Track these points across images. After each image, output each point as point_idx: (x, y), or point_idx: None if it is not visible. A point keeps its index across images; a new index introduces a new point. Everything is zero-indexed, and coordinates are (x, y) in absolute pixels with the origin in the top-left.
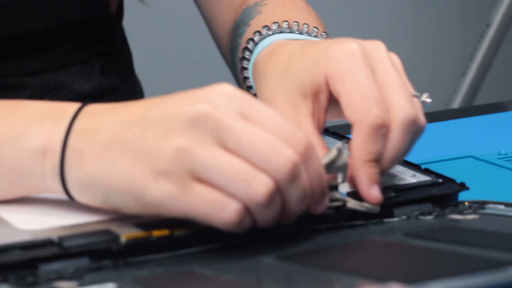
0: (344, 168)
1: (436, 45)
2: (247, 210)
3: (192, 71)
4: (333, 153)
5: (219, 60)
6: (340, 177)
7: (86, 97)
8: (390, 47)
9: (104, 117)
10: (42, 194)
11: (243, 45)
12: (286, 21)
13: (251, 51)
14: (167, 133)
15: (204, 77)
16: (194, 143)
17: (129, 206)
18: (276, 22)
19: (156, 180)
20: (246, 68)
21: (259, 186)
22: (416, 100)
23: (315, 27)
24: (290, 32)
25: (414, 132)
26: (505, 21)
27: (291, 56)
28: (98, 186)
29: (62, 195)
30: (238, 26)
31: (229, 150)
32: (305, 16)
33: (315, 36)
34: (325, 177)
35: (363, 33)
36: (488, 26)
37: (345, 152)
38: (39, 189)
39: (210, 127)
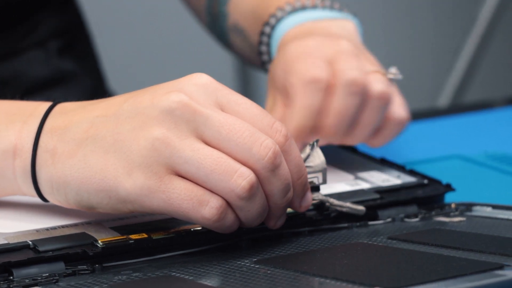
0: (321, 168)
1: (421, 41)
2: (229, 206)
3: (171, 66)
4: (307, 151)
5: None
6: (320, 178)
7: (44, 85)
8: (375, 43)
9: (76, 114)
10: (15, 197)
11: (246, 19)
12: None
13: (269, 36)
14: (142, 125)
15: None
16: (171, 134)
17: (103, 204)
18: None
19: (130, 174)
20: (263, 53)
21: (240, 179)
22: (378, 75)
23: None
24: (303, 9)
25: (358, 95)
26: (491, 16)
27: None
28: (71, 185)
29: (34, 197)
30: None
31: (207, 142)
32: None
33: (323, 6)
34: (305, 169)
35: None
36: (474, 21)
37: (319, 151)
38: (10, 191)
39: (187, 118)
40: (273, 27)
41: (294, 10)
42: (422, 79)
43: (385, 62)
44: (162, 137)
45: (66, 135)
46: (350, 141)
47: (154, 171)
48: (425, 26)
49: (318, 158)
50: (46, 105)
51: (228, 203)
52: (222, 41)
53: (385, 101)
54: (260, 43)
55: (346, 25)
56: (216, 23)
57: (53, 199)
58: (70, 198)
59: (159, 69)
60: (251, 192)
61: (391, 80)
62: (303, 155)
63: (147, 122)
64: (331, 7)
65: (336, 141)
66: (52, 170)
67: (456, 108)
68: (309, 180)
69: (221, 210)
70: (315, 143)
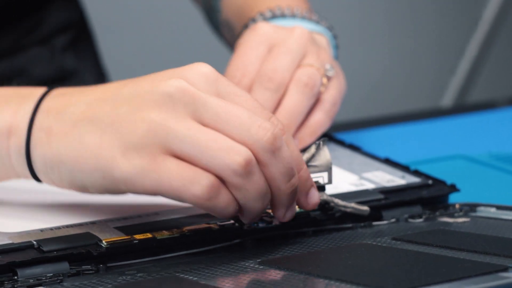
0: (327, 167)
1: (425, 42)
2: (223, 186)
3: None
4: (312, 149)
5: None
6: (325, 178)
7: (46, 83)
8: (380, 44)
9: (74, 97)
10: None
11: (235, 15)
12: (279, 6)
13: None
14: (140, 108)
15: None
16: (168, 116)
17: (96, 184)
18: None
19: (125, 154)
20: None
21: (236, 155)
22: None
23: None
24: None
25: (272, 90)
26: (495, 16)
27: None
28: (65, 163)
29: (28, 179)
30: None
31: (205, 124)
32: None
33: (302, 16)
34: (305, 165)
35: (352, 30)
36: (477, 22)
37: (326, 150)
38: (4, 173)
39: (185, 102)
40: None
41: (274, 16)
42: (426, 79)
43: (389, 62)
44: (159, 119)
45: (63, 115)
46: None
47: (149, 152)
48: (428, 26)
49: (324, 157)
50: (43, 88)
51: (223, 183)
52: (217, 33)
53: (307, 88)
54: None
55: (316, 37)
56: (211, 17)
57: (46, 179)
58: (64, 178)
59: (161, 67)
60: (247, 168)
61: (327, 76)
62: (308, 155)
63: (145, 104)
64: (310, 19)
65: None
66: (47, 149)
67: (460, 108)
68: (314, 180)
69: (213, 188)
70: (321, 143)
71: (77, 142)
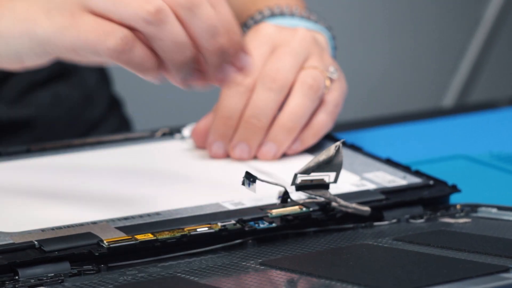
0: (338, 168)
1: (426, 42)
2: (138, 39)
3: None
4: (331, 151)
5: None
6: (332, 177)
7: (48, 79)
8: (381, 44)
9: None
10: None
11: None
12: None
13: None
14: None
15: None
16: None
17: (26, 48)
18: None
19: (47, 14)
20: None
21: (146, 4)
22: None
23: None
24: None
25: (275, 91)
26: (496, 16)
27: None
28: (1, 34)
29: None
30: None
31: None
32: None
33: (300, 15)
34: (237, 27)
35: (353, 30)
36: (478, 22)
37: (342, 152)
38: None
39: None
40: (256, 22)
41: (273, 15)
42: (427, 79)
43: (390, 62)
44: None
45: None
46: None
47: (68, 10)
48: (429, 26)
49: (339, 159)
50: None
51: (138, 36)
52: None
53: (311, 90)
54: None
55: (318, 37)
56: None
57: None
58: (1, 50)
59: None
60: (158, 16)
61: (330, 78)
62: (326, 155)
63: None
64: (308, 18)
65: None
66: None
67: (461, 108)
68: (321, 177)
69: (126, 40)
70: (340, 145)
71: (10, 12)
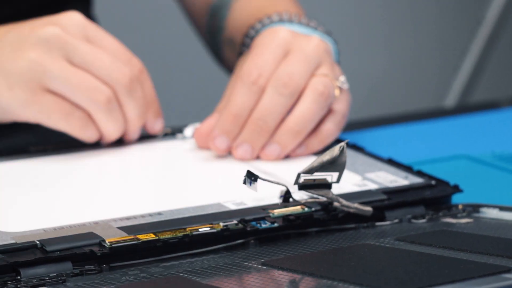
0: (341, 168)
1: (428, 42)
2: (91, 119)
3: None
4: (336, 151)
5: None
6: (335, 177)
7: None
8: (383, 44)
9: None
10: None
11: (238, 30)
12: (278, 12)
13: (251, 38)
14: (21, 49)
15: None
16: (45, 57)
17: None
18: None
19: (11, 88)
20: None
21: (100, 94)
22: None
23: (294, 13)
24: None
25: (287, 96)
26: (498, 16)
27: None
28: None
29: None
30: (217, 9)
31: (76, 66)
32: (282, 3)
33: (299, 22)
34: (157, 99)
35: (356, 30)
36: (480, 22)
37: (346, 153)
38: None
39: (59, 46)
40: (257, 31)
41: (281, 20)
42: (429, 80)
43: (392, 62)
44: (38, 59)
45: None
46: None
47: (30, 87)
48: (431, 26)
49: (342, 160)
50: None
51: (89, 116)
52: (218, 56)
53: (322, 97)
54: (243, 44)
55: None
56: (214, 39)
57: None
58: None
59: (165, 66)
60: (109, 106)
61: (339, 87)
62: (330, 155)
63: (26, 46)
64: (307, 25)
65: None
66: None
67: (463, 108)
68: (323, 177)
69: (84, 121)
70: (344, 146)
71: None
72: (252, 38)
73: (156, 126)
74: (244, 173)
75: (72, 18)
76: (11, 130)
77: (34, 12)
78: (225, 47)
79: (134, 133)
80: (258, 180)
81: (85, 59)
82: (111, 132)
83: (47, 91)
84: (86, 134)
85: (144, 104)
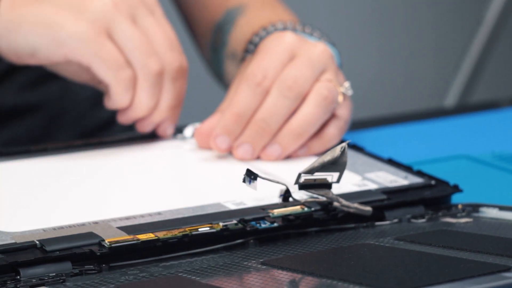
0: (342, 168)
1: (428, 42)
2: (134, 85)
3: None
4: (337, 152)
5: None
6: (335, 177)
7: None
8: (383, 44)
9: None
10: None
11: (241, 43)
12: (281, 21)
13: (255, 45)
14: None
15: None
16: (117, 8)
17: (44, 46)
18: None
19: (76, 21)
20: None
21: (154, 64)
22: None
23: (291, 21)
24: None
25: (291, 99)
26: (498, 16)
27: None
28: (23, 26)
29: None
30: (222, 25)
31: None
32: (283, 13)
33: (302, 31)
34: (182, 104)
35: (356, 29)
36: (480, 22)
37: (347, 153)
38: None
39: (130, 4)
40: (262, 38)
41: (285, 29)
42: (429, 79)
43: (392, 62)
44: (112, 4)
45: None
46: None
47: (95, 26)
48: (431, 26)
49: (343, 160)
50: None
51: (136, 78)
52: (219, 73)
53: (325, 102)
54: (246, 50)
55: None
56: (216, 55)
57: (3, 42)
58: (19, 40)
59: None
60: (156, 78)
61: (342, 94)
62: (331, 156)
63: None
64: (311, 34)
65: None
66: (10, 13)
67: (463, 108)
68: (324, 177)
69: (129, 82)
70: (345, 146)
71: (38, 10)
72: (256, 45)
73: (168, 130)
74: (244, 172)
75: None
76: (15, 115)
77: None
78: (227, 61)
79: (152, 123)
80: (258, 179)
81: (148, 29)
82: (141, 107)
83: (109, 38)
84: (122, 98)
85: (175, 100)
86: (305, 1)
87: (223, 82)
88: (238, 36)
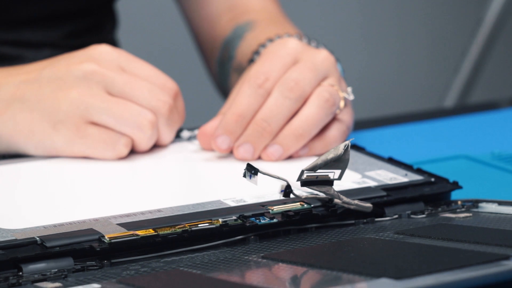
0: (344, 165)
1: (428, 42)
2: (133, 142)
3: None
4: (340, 149)
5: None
6: (337, 174)
7: None
8: (383, 44)
9: (2, 78)
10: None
11: (248, 56)
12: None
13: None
14: (61, 88)
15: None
16: (86, 94)
17: (30, 151)
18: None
19: (55, 128)
20: None
21: (144, 119)
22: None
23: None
24: None
25: (292, 99)
26: (497, 17)
27: None
28: (2, 138)
29: None
30: (230, 40)
31: (116, 96)
32: (291, 30)
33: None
34: (183, 119)
35: (355, 30)
36: (480, 22)
37: (349, 151)
38: None
39: (97, 80)
40: (265, 46)
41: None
42: (428, 80)
43: (391, 62)
44: (79, 97)
45: None
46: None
47: (74, 124)
48: (431, 27)
49: (346, 158)
50: None
51: (133, 140)
52: (224, 87)
53: (327, 104)
54: (251, 60)
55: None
56: (223, 69)
57: None
58: (1, 148)
59: (165, 69)
60: (152, 130)
61: (344, 98)
62: (334, 153)
63: (65, 85)
64: (308, 43)
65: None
66: None
67: (462, 109)
68: (326, 174)
69: (129, 146)
70: (349, 145)
71: (12, 120)
72: (260, 53)
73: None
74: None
75: (104, 51)
76: None
77: (70, 39)
78: (233, 74)
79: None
80: (258, 174)
81: (124, 89)
82: (145, 149)
83: (91, 123)
84: (125, 154)
85: (177, 127)
86: (303, 3)
87: (228, 95)
88: (244, 50)
